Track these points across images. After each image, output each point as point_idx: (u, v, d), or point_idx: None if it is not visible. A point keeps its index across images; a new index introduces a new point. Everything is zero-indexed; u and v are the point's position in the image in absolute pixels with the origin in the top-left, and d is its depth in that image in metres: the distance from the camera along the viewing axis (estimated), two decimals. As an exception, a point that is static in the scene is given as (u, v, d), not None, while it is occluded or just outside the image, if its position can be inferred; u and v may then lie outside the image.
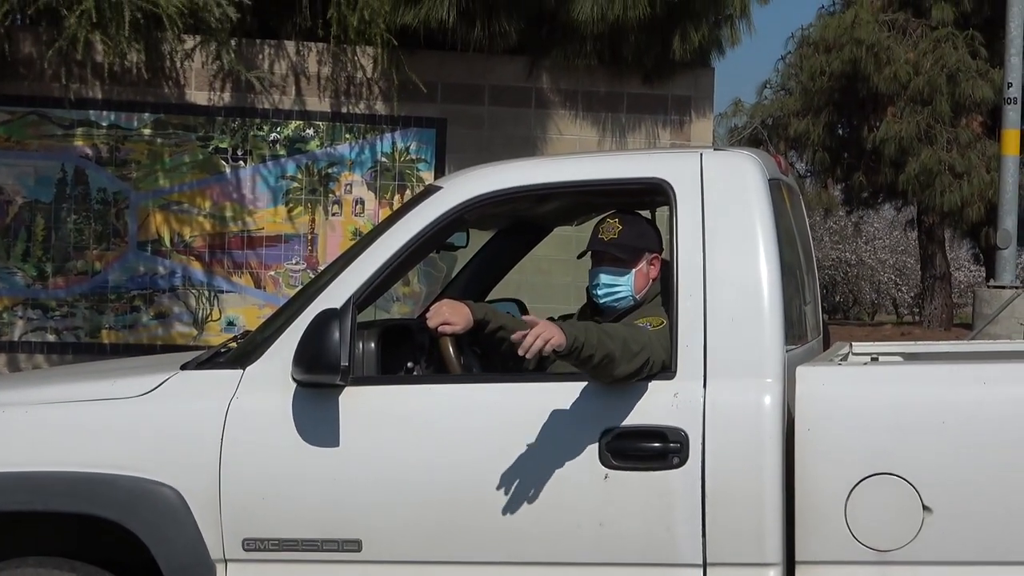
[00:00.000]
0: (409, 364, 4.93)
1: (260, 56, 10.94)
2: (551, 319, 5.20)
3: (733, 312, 4.35)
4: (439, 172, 10.96)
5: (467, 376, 4.73)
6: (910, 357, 5.57)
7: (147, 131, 10.74)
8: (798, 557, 4.29)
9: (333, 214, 11.04)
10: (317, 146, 11.01)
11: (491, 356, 4.98)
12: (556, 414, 4.34)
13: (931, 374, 4.55)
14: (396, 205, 10.75)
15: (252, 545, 4.43)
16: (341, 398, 4.42)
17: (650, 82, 11.45)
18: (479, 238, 5.75)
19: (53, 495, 4.47)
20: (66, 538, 4.66)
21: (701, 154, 4.58)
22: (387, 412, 4.45)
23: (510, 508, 4.32)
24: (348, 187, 11.04)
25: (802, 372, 4.35)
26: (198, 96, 10.81)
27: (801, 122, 24.43)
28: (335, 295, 4.49)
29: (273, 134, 10.95)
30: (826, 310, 8.28)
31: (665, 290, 4.63)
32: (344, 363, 4.28)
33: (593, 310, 4.87)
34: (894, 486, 4.21)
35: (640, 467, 4.29)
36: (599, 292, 4.74)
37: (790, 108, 25.09)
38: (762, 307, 4.35)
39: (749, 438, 4.25)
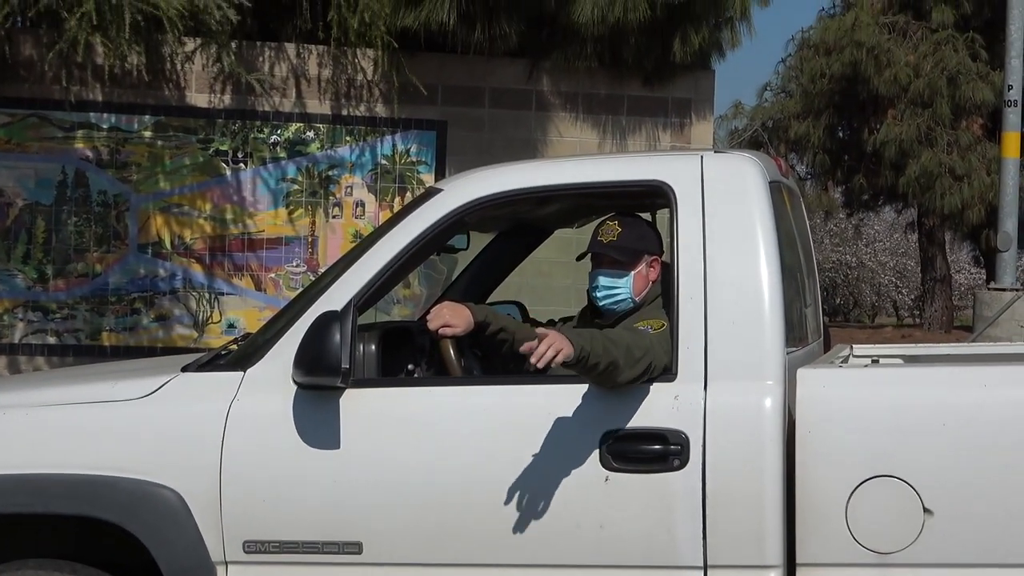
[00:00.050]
0: (410, 366, 4.92)
1: (260, 58, 10.93)
2: (552, 321, 5.21)
3: (734, 314, 4.35)
4: (439, 174, 10.96)
5: (468, 378, 4.73)
6: (911, 359, 5.57)
7: (148, 133, 10.74)
8: (799, 559, 4.28)
9: (333, 216, 11.04)
10: (317, 148, 11.00)
11: (492, 358, 4.97)
12: (557, 416, 4.33)
13: (932, 376, 4.56)
14: (396, 207, 10.74)
15: (253, 547, 4.42)
16: (342, 400, 4.41)
17: (650, 84, 11.45)
18: (480, 240, 5.75)
19: (54, 497, 4.46)
20: (66, 540, 4.66)
21: (702, 156, 4.58)
22: (388, 414, 4.45)
23: (510, 510, 4.32)
24: (348, 189, 11.04)
25: (803, 374, 4.34)
26: (198, 98, 10.81)
27: (801, 124, 24.41)
28: (336, 297, 4.48)
29: (273, 136, 10.94)
30: (826, 312, 8.27)
31: (666, 292, 4.62)
32: (345, 365, 4.27)
33: (593, 312, 4.86)
34: (895, 488, 4.21)
35: (641, 469, 4.29)
36: (598, 294, 4.74)
37: (790, 110, 25.09)
38: (763, 309, 4.35)
39: (750, 440, 4.25)
